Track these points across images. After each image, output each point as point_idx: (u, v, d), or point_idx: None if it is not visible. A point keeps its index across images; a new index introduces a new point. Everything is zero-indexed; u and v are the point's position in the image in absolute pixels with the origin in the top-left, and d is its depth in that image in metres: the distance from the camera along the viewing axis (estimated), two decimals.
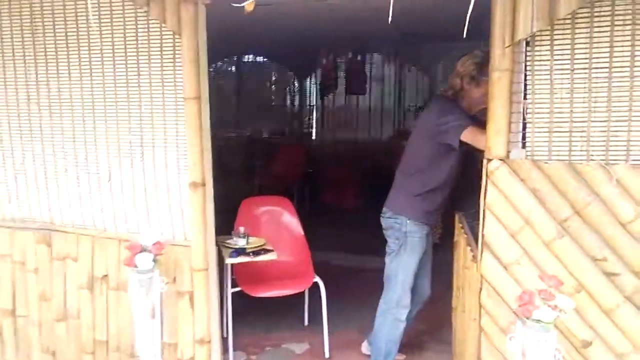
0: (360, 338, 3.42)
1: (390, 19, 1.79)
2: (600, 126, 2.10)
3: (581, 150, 2.12)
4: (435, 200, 2.81)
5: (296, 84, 7.86)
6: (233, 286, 3.14)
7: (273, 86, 8.16)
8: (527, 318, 1.93)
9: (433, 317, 3.55)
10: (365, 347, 3.32)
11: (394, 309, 2.88)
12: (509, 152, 2.17)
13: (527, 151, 2.16)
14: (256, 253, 2.95)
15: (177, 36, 2.58)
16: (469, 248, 2.53)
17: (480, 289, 2.26)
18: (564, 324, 2.10)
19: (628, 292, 2.09)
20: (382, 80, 7.47)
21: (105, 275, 2.88)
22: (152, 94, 2.71)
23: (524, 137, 2.18)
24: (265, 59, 7.76)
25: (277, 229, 3.53)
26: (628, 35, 2.04)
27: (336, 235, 5.76)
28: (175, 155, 2.70)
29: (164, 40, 2.66)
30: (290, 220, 3.58)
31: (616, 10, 2.05)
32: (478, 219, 2.28)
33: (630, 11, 2.03)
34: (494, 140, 2.17)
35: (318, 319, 3.72)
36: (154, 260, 2.51)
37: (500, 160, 2.16)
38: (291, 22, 4.54)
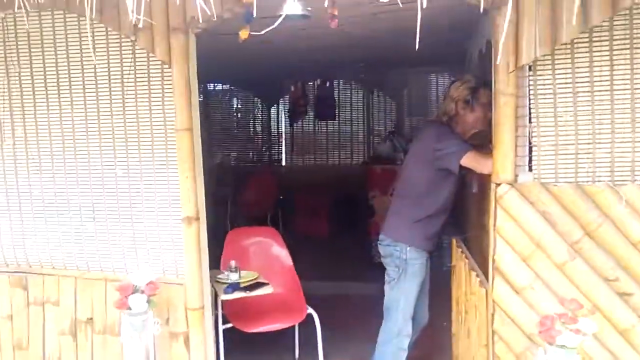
0: None
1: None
2: (604, 148, 2.12)
3: (587, 172, 2.14)
4: (435, 226, 2.77)
5: (264, 111, 7.80)
6: (224, 322, 3.00)
7: (240, 114, 8.07)
8: (550, 344, 1.90)
9: (427, 343, 3.49)
10: None
11: (396, 339, 2.80)
12: (516, 175, 2.17)
13: (534, 174, 2.16)
14: (251, 287, 2.83)
15: (166, 66, 2.49)
16: (474, 273, 2.50)
17: (493, 315, 2.22)
18: (580, 347, 2.07)
19: None
20: (351, 105, 7.50)
21: (90, 319, 2.70)
22: (139, 126, 2.59)
23: (530, 161, 2.18)
24: (231, 87, 7.68)
25: (266, 261, 3.42)
26: (627, 58, 2.08)
27: (311, 263, 5.68)
28: (166, 189, 2.57)
29: (151, 71, 2.56)
30: (279, 251, 3.48)
31: (614, 36, 2.09)
32: (479, 244, 2.26)
33: (627, 36, 2.08)
34: (501, 165, 2.16)
35: (309, 350, 3.60)
36: (148, 302, 2.36)
37: (509, 184, 2.15)
38: (260, 51, 4.51)
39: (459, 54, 5.32)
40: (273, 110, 7.78)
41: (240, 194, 6.69)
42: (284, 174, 7.58)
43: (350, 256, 5.84)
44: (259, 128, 7.92)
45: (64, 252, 2.74)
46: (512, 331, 2.21)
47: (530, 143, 2.17)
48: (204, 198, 2.55)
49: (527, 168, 2.18)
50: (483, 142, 2.75)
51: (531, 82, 2.16)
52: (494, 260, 2.20)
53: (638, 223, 2.05)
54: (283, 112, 7.57)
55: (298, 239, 6.72)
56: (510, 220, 2.16)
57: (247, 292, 2.77)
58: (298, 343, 3.64)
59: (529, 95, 2.16)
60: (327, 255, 6.03)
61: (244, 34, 2.17)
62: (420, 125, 2.69)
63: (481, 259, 2.71)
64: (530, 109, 2.16)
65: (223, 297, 2.74)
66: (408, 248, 2.73)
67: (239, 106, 8.13)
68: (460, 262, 2.76)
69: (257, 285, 2.87)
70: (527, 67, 2.14)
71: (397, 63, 6.60)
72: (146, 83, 2.56)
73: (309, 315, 3.17)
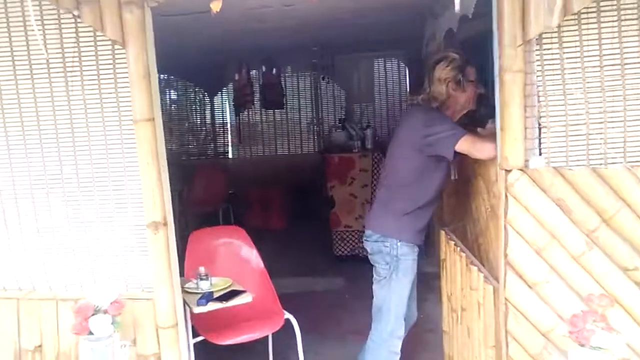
0: None
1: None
2: (617, 127, 1.97)
3: (600, 154, 1.98)
4: (425, 217, 2.56)
5: (205, 102, 7.37)
6: (193, 336, 2.67)
7: (177, 105, 7.59)
8: (583, 345, 1.73)
9: (411, 339, 3.31)
10: None
11: (388, 342, 2.59)
12: (526, 160, 1.98)
13: (545, 158, 1.98)
14: (227, 297, 2.51)
15: (118, 47, 2.12)
16: (474, 268, 2.31)
17: (506, 315, 2.04)
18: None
19: None
20: (299, 93, 7.21)
21: (39, 346, 2.30)
22: (88, 119, 2.22)
23: (539, 144, 2.00)
24: (170, 77, 7.19)
25: (234, 264, 3.10)
26: (635, 29, 1.93)
27: (270, 259, 5.39)
28: (124, 190, 2.21)
29: (100, 53, 2.18)
30: (249, 253, 3.17)
31: (622, 5, 1.94)
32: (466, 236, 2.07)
33: (636, 5, 1.93)
34: (511, 149, 1.96)
35: (286, 356, 3.34)
36: (113, 323, 2.01)
37: (520, 170, 1.96)
38: (201, 36, 4.17)
39: (412, 37, 5.16)
40: (217, 99, 7.38)
41: (187, 190, 6.28)
42: (232, 167, 7.21)
43: (311, 250, 5.59)
44: (200, 119, 7.49)
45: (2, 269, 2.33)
46: (527, 330, 2.04)
47: (539, 124, 1.99)
48: (170, 199, 2.21)
49: (537, 152, 2.00)
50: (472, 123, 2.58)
51: (537, 58, 1.97)
52: (506, 255, 2.01)
53: None
54: (227, 102, 7.17)
55: (253, 234, 6.41)
56: (522, 209, 1.98)
57: (224, 302, 2.45)
58: (272, 351, 3.36)
59: (536, 72, 1.97)
60: (286, 250, 5.75)
61: (216, 6, 1.87)
62: (407, 109, 2.46)
63: (474, 252, 2.54)
64: (537, 87, 1.98)
65: (196, 309, 2.41)
66: (399, 243, 2.51)
67: (178, 97, 7.66)
68: (454, 255, 2.57)
69: (233, 293, 2.56)
70: (535, 41, 1.95)
71: (347, 48, 6.39)
72: (94, 68, 2.18)
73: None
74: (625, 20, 1.94)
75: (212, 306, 2.42)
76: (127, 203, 2.21)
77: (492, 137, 2.29)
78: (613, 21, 1.94)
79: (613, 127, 1.97)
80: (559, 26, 1.95)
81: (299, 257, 5.65)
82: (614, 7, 1.94)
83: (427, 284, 4.79)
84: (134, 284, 2.25)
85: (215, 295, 2.51)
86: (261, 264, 3.20)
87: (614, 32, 1.95)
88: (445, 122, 2.40)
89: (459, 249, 2.53)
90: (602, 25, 1.95)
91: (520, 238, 1.99)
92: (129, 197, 2.21)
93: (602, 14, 1.95)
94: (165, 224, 2.17)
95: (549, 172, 1.95)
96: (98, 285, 2.12)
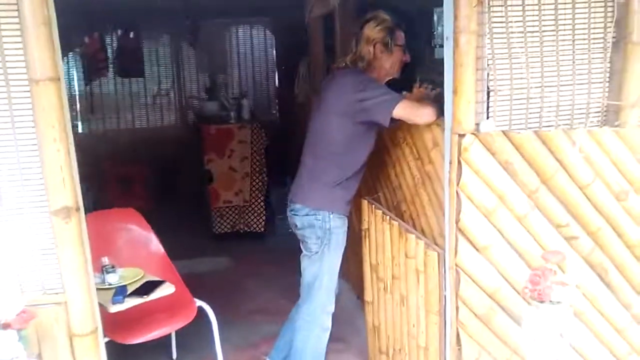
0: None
1: None
2: (551, 91, 2.05)
3: (537, 117, 2.05)
4: (354, 187, 2.47)
5: None
6: None
7: None
8: (543, 301, 1.78)
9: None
10: None
11: (320, 318, 2.48)
12: (477, 124, 1.97)
13: (495, 122, 1.99)
14: (145, 290, 2.17)
15: None
16: (412, 236, 2.28)
17: (458, 280, 2.03)
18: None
19: (585, 253, 2.11)
20: (157, 60, 6.60)
21: None
22: None
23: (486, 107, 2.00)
24: None
25: (134, 251, 2.72)
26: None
27: None
28: (15, 170, 1.76)
29: None
30: (147, 237, 2.82)
31: None
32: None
33: None
34: (464, 113, 1.93)
35: (191, 349, 3.08)
36: (20, 340, 1.60)
37: (473, 134, 1.94)
38: None
39: (281, 5, 4.98)
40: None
41: None
42: (83, 143, 6.40)
43: (187, 230, 5.20)
44: None
45: None
46: (475, 293, 2.06)
47: (488, 88, 1.98)
48: (78, 179, 1.81)
49: (485, 116, 2.00)
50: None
51: (486, 20, 1.95)
52: (457, 220, 1.99)
53: (586, 167, 2.03)
54: (75, 69, 6.30)
55: None
56: (473, 174, 1.97)
57: (144, 297, 2.11)
58: (175, 343, 3.06)
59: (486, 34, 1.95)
60: (157, 232, 5.29)
61: None
62: (332, 73, 2.29)
63: (404, 219, 2.52)
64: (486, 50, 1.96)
65: (113, 308, 2.04)
66: (331, 215, 2.38)
67: None
68: (382, 224, 2.51)
69: (151, 285, 2.22)
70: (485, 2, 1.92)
71: (212, 12, 5.99)
72: None
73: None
74: None
75: (131, 302, 2.08)
76: (20, 186, 1.76)
77: (427, 101, 2.26)
78: None
79: (550, 92, 2.04)
80: None
81: (174, 238, 5.15)
82: None
83: None
84: (35, 285, 1.82)
85: (130, 289, 2.16)
86: (161, 249, 2.87)
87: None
88: (379, 87, 2.30)
89: (388, 217, 2.47)
90: None
91: (470, 203, 1.99)
92: (23, 178, 1.77)
93: None
94: (77, 209, 1.77)
95: (498, 135, 1.96)
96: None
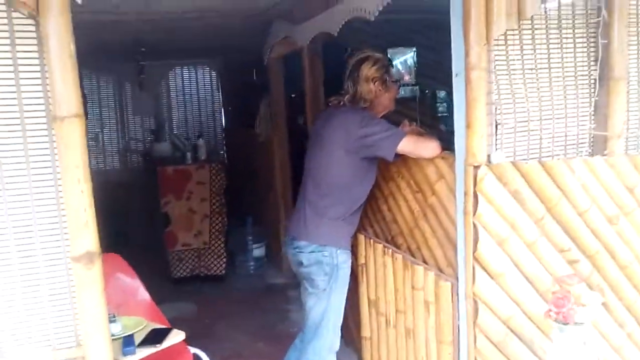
0: None
1: None
2: (547, 123, 2.19)
3: (537, 148, 2.18)
4: (357, 222, 2.48)
5: None
6: None
7: None
8: (566, 323, 1.85)
9: None
10: None
11: (327, 358, 2.42)
12: (488, 156, 2.05)
13: (505, 153, 2.08)
14: (154, 338, 2.03)
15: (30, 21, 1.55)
16: (420, 268, 2.31)
17: (476, 309, 2.07)
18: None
19: (585, 276, 2.22)
20: (100, 101, 6.36)
21: None
22: None
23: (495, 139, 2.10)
24: None
25: (122, 299, 2.54)
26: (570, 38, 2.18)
27: None
28: (30, 213, 1.62)
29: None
30: (133, 284, 2.66)
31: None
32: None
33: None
34: (477, 145, 2.01)
35: None
36: None
37: (486, 165, 2.02)
38: None
39: (226, 46, 4.98)
40: None
41: None
42: None
43: (144, 275, 4.91)
44: None
45: None
46: (491, 321, 2.10)
47: (496, 121, 2.08)
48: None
49: (494, 147, 2.09)
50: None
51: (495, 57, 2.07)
52: (474, 250, 2.04)
53: (584, 193, 2.16)
54: None
55: None
56: (488, 204, 2.04)
57: (157, 346, 1.97)
58: None
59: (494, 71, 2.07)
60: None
61: None
62: (328, 110, 2.29)
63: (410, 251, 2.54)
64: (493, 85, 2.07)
65: None
66: (338, 251, 2.37)
67: None
68: (383, 258, 2.52)
69: (158, 333, 2.08)
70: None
71: (158, 54, 5.90)
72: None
73: None
74: (552, 28, 2.17)
75: (144, 352, 1.93)
76: (33, 231, 1.62)
77: (428, 135, 2.34)
78: (543, 30, 2.15)
79: (549, 124, 2.18)
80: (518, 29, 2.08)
81: None
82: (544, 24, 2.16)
83: (284, 294, 4.70)
84: (44, 342, 1.66)
85: (136, 338, 2.01)
86: (148, 296, 2.72)
87: (543, 40, 2.16)
88: (381, 122, 2.36)
89: (390, 251, 2.49)
90: (536, 32, 2.15)
91: (485, 232, 2.05)
92: (37, 223, 1.63)
93: (535, 21, 2.15)
94: (100, 255, 1.65)
95: (508, 166, 2.05)
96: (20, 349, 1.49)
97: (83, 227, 1.60)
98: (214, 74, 6.88)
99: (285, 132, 4.82)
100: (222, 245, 5.00)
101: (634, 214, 2.25)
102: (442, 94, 5.16)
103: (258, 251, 5.32)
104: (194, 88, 6.86)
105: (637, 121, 2.35)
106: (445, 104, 5.21)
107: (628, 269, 2.27)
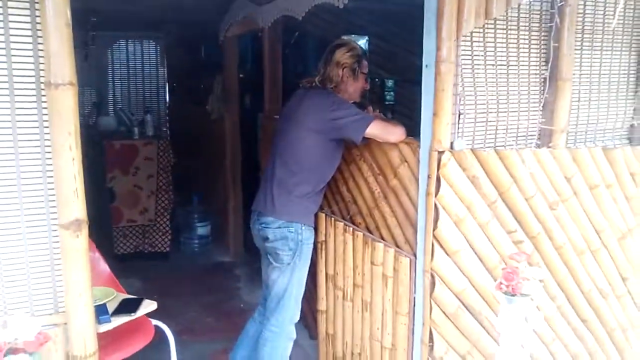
0: None
1: None
2: (503, 114, 2.39)
3: (496, 138, 2.38)
4: (320, 200, 2.60)
5: None
6: None
7: None
8: (514, 295, 2.06)
9: None
10: None
11: (288, 328, 2.55)
12: (451, 143, 2.22)
13: (466, 141, 2.26)
14: (127, 308, 2.06)
15: None
16: (380, 245, 2.46)
17: (433, 283, 2.25)
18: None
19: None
20: None
21: None
22: None
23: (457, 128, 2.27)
24: None
25: None
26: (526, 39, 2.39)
27: None
28: (14, 180, 1.61)
29: None
30: (91, 257, 2.61)
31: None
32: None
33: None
34: (443, 133, 2.17)
35: None
36: None
37: (449, 151, 2.19)
38: None
39: (178, 21, 4.92)
40: None
41: None
42: None
43: None
44: None
45: None
46: (445, 294, 2.29)
47: (459, 111, 2.26)
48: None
49: (456, 135, 2.27)
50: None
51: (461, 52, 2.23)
52: (434, 229, 2.22)
53: (531, 181, 2.39)
54: None
55: None
56: (449, 187, 2.21)
57: (132, 314, 2.00)
58: None
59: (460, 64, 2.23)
60: None
61: None
62: (302, 91, 2.35)
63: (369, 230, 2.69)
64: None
65: (101, 328, 1.90)
66: (303, 227, 2.48)
67: None
68: (345, 235, 2.66)
69: (131, 303, 2.11)
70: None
71: (106, 24, 5.69)
72: None
73: None
74: (511, 29, 2.37)
75: (119, 320, 1.96)
76: (18, 197, 1.62)
77: (395, 121, 2.48)
78: (503, 29, 2.34)
79: (504, 116, 2.39)
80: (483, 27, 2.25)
81: None
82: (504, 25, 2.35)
83: (231, 272, 4.77)
84: (24, 307, 1.67)
85: (109, 308, 2.04)
86: (107, 269, 2.72)
87: (504, 39, 2.35)
88: (350, 106, 2.48)
89: (351, 229, 2.63)
90: (498, 31, 2.33)
91: (445, 213, 2.23)
92: (23, 190, 1.63)
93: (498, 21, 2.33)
94: (86, 222, 1.67)
95: (468, 153, 2.24)
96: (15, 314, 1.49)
97: (72, 195, 1.61)
98: (159, 49, 6.71)
99: (237, 111, 4.85)
100: (168, 222, 4.97)
101: (570, 201, 2.51)
102: (390, 83, 5.37)
103: (203, 230, 5.33)
104: (138, 62, 6.66)
105: (576, 119, 2.62)
106: (392, 93, 5.42)
107: (562, 249, 2.53)
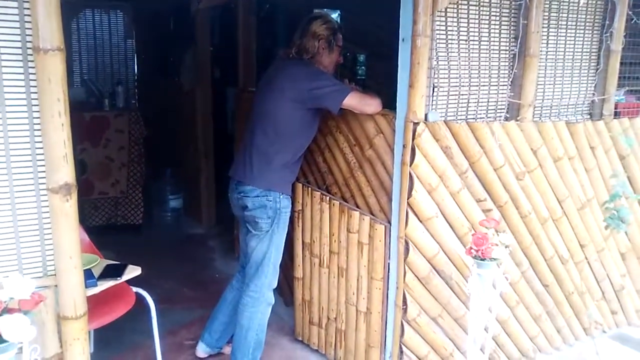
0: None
1: None
2: (474, 90, 2.50)
3: (467, 110, 2.49)
4: (298, 169, 2.66)
5: None
6: None
7: None
8: (484, 259, 2.20)
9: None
10: (202, 350, 2.88)
11: (266, 294, 2.62)
12: (425, 114, 2.32)
13: (440, 113, 2.36)
14: (112, 273, 2.10)
15: None
16: (356, 213, 2.56)
17: (407, 249, 2.37)
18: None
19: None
20: None
21: None
22: None
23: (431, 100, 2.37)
24: None
25: None
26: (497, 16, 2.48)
27: None
28: (3, 143, 1.63)
29: None
30: None
31: None
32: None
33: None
34: (418, 105, 2.27)
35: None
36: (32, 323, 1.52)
37: (424, 123, 2.29)
38: None
39: None
40: None
41: None
42: None
43: None
44: None
45: None
46: (418, 259, 2.41)
47: (433, 84, 2.35)
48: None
49: (430, 107, 2.36)
50: None
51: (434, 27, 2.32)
52: (409, 197, 2.32)
53: (499, 152, 2.51)
54: None
55: None
56: (423, 157, 2.31)
57: (117, 279, 2.05)
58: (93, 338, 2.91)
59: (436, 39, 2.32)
60: None
61: None
62: (281, 61, 2.37)
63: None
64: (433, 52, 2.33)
65: (88, 292, 1.93)
66: (281, 196, 2.55)
67: None
68: (322, 204, 2.74)
69: (115, 268, 2.15)
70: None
71: None
72: None
73: None
74: (483, 6, 2.46)
75: (105, 284, 2.01)
76: (6, 162, 1.64)
77: (372, 93, 2.56)
78: (475, 6, 2.43)
79: (476, 90, 2.49)
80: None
81: None
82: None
83: (204, 244, 4.81)
84: (15, 269, 1.70)
85: (95, 273, 2.08)
86: (86, 236, 2.74)
87: (476, 16, 2.44)
88: (329, 77, 2.54)
89: (328, 198, 2.72)
90: (471, 8, 2.42)
91: (419, 182, 2.33)
92: (11, 154, 1.65)
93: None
94: (76, 187, 1.70)
95: (441, 124, 2.34)
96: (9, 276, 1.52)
97: (62, 160, 1.64)
98: (127, 19, 6.58)
99: (209, 83, 4.84)
100: (140, 194, 4.96)
101: (536, 172, 2.65)
102: (361, 57, 5.43)
103: (175, 202, 5.34)
104: (105, 33, 6.52)
105: (542, 94, 2.75)
106: (364, 68, 5.49)
107: (527, 218, 2.68)
